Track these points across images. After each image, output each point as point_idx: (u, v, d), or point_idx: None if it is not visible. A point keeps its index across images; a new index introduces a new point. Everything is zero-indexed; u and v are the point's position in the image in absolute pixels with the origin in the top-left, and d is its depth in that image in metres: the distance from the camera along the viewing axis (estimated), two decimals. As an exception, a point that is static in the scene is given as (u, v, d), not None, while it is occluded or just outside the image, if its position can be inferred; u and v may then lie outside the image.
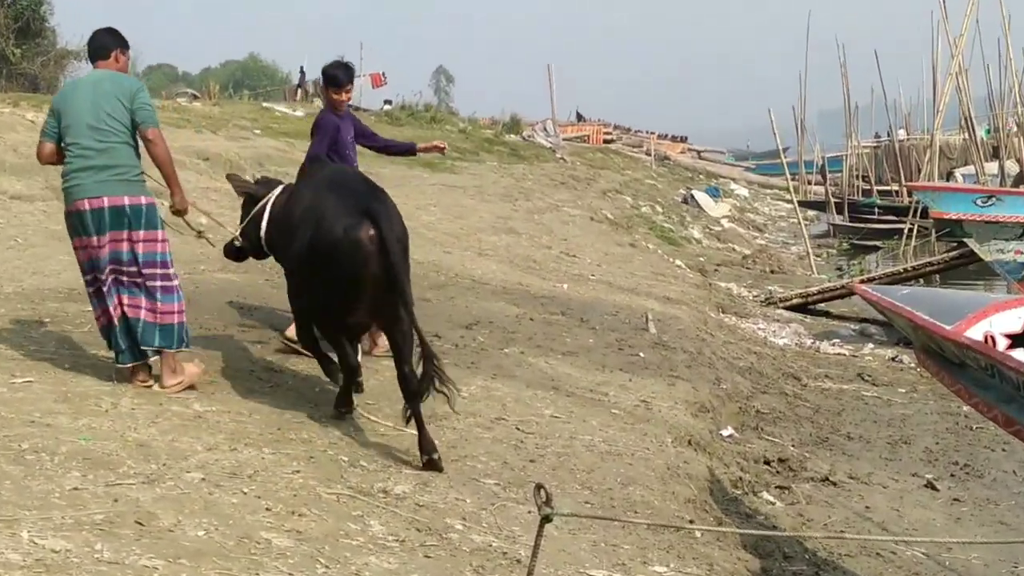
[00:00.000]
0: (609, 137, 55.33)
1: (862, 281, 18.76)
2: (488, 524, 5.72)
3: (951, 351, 5.53)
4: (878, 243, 28.47)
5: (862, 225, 30.65)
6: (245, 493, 5.39)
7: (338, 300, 6.64)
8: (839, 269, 24.59)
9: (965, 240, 17.55)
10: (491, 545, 5.44)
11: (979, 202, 16.92)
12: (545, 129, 40.00)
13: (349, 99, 8.96)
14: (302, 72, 49.22)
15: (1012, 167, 27.20)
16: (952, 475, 9.50)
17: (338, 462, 6.14)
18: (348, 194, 6.83)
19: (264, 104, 32.18)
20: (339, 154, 8.66)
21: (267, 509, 5.24)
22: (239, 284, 8.01)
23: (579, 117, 64.66)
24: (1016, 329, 5.76)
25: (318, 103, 39.88)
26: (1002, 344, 5.70)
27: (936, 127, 27.75)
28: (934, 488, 9.02)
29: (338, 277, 6.54)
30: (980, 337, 5.62)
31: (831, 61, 37.10)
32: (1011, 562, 7.67)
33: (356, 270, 6.48)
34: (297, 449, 6.19)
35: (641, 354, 10.50)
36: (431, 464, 6.28)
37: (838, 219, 32.18)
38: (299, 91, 46.45)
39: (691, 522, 6.45)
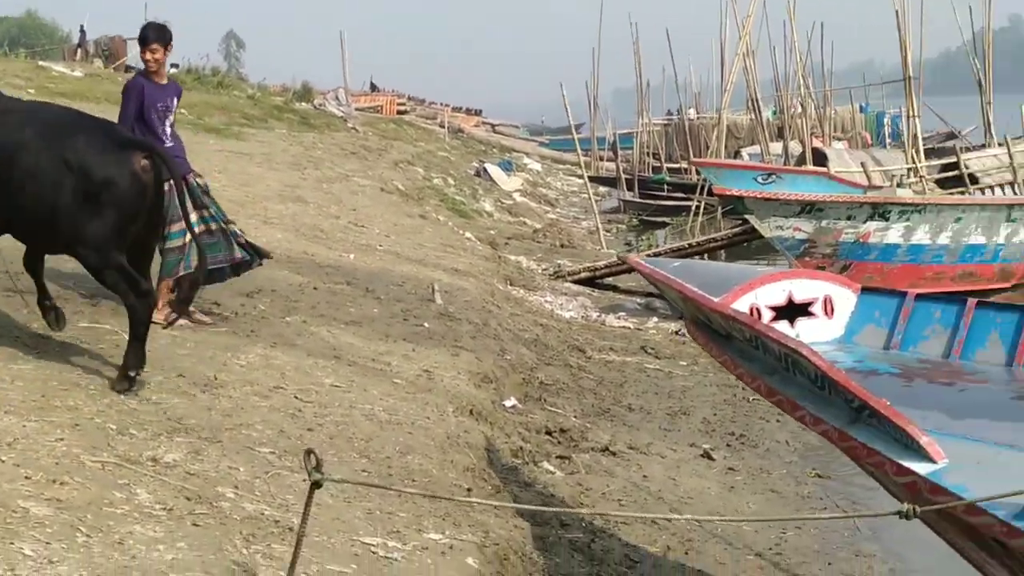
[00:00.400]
0: (403, 108, 55.23)
1: (648, 255, 19.21)
2: (261, 492, 5.64)
3: (718, 323, 5.67)
4: (667, 219, 29.12)
5: (651, 202, 31.30)
6: (3, 461, 5.18)
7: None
8: (628, 244, 25.13)
9: (746, 217, 18.07)
10: (263, 513, 5.38)
11: (760, 179, 17.40)
12: (337, 98, 39.77)
13: (159, 60, 8.59)
14: (82, 31, 47.63)
15: (796, 147, 28.12)
16: (728, 445, 9.82)
17: (105, 430, 5.95)
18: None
19: (40, 63, 30.93)
20: (147, 123, 8.36)
21: (26, 477, 5.05)
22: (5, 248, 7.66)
23: (373, 87, 64.45)
24: (781, 301, 5.95)
25: (99, 64, 38.64)
26: (767, 316, 5.88)
27: (724, 107, 28.63)
28: (710, 458, 9.30)
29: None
30: (746, 309, 5.78)
31: (626, 39, 37.84)
32: (779, 529, 7.97)
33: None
34: (62, 416, 5.97)
35: (426, 324, 10.51)
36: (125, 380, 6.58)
37: (628, 195, 32.79)
38: (79, 51, 44.85)
39: (469, 491, 6.49)
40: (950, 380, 5.54)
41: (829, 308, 6.08)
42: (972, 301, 5.98)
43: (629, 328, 14.70)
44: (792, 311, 6.01)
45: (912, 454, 4.51)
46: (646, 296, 16.59)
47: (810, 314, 6.04)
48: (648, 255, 19.34)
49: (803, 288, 6.04)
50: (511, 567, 5.78)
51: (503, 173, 35.24)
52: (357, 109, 41.88)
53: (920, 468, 4.46)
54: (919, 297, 6.13)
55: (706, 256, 20.43)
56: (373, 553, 5.15)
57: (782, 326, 5.84)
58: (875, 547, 7.70)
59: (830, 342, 6.02)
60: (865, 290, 6.29)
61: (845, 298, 6.14)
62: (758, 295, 5.86)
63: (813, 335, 5.98)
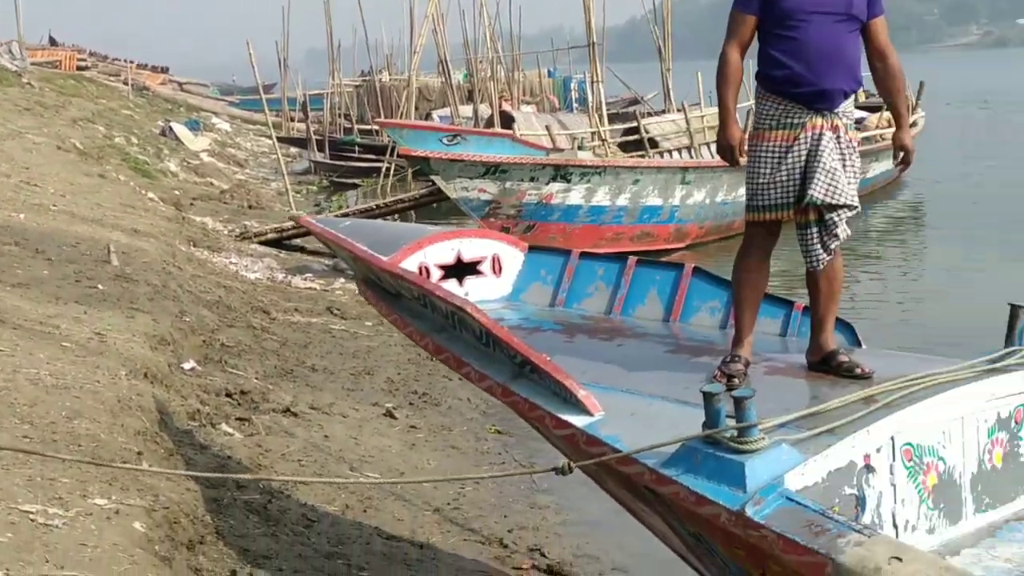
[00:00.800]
0: (84, 64, 53.21)
1: (337, 215, 19.21)
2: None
3: (388, 281, 5.73)
4: (357, 181, 29.14)
5: (342, 163, 31.26)
6: None
7: None
8: (318, 206, 25.00)
9: (432, 178, 18.25)
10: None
11: (444, 141, 17.62)
12: (10, 51, 37.95)
13: None
14: None
15: (485, 110, 28.61)
16: (411, 403, 10.00)
17: None
18: None
19: None
20: None
21: None
22: None
23: (52, 41, 61.81)
24: (449, 260, 6.05)
25: None
26: (436, 275, 5.98)
27: (413, 69, 28.84)
28: (392, 416, 9.45)
29: None
30: (415, 268, 5.86)
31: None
32: (458, 484, 8.18)
33: None
34: None
35: (100, 287, 10.16)
36: None
37: (319, 156, 32.63)
38: None
39: (140, 455, 6.36)
40: (610, 336, 5.77)
41: (497, 267, 6.23)
42: (632, 260, 6.24)
43: (315, 289, 14.73)
44: (461, 270, 6.12)
45: (571, 408, 4.70)
46: (334, 257, 16.60)
47: (479, 272, 6.18)
48: (337, 215, 19.35)
49: (472, 247, 6.16)
50: (181, 530, 5.71)
51: (190, 132, 34.57)
52: (33, 64, 40.09)
53: (578, 421, 4.65)
54: (583, 256, 6.35)
55: (397, 217, 20.56)
56: (32, 520, 5.00)
57: (451, 284, 5.96)
58: (550, 499, 8.01)
59: (497, 300, 6.18)
60: (532, 248, 6.47)
61: (513, 257, 6.30)
62: (427, 254, 5.94)
63: (481, 293, 6.12)
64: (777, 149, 5.22)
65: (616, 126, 24.17)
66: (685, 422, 4.33)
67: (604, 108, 24.25)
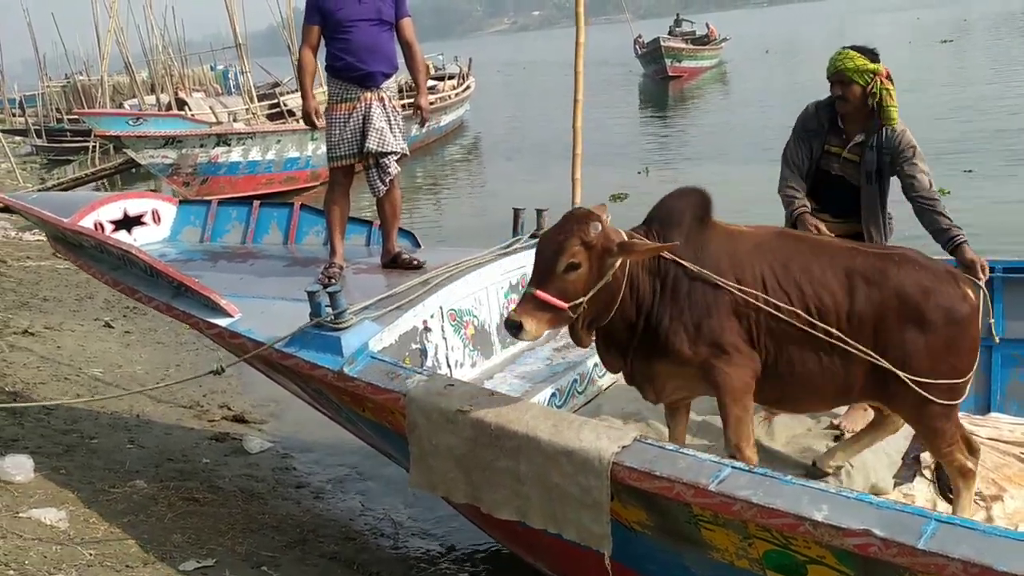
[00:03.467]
0: None
1: (53, 187, 17.73)
2: None
3: (71, 236, 5.38)
4: (71, 157, 26.93)
5: (57, 145, 28.76)
6: None
7: None
8: (43, 180, 22.98)
9: (126, 151, 17.27)
10: None
11: (130, 122, 16.65)
12: None
13: None
14: None
15: (165, 98, 26.92)
16: (125, 316, 9.50)
17: None
18: None
19: None
20: None
21: None
22: None
23: None
24: (119, 216, 5.72)
25: None
26: (109, 228, 5.65)
27: (103, 71, 26.84)
28: (111, 327, 8.96)
29: None
30: (91, 225, 5.52)
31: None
32: (163, 367, 7.83)
33: None
34: None
35: None
36: None
37: (39, 142, 29.83)
38: None
39: None
40: (244, 259, 5.60)
41: (157, 218, 5.92)
42: (257, 203, 6.09)
43: (43, 240, 13.52)
44: (129, 222, 5.79)
45: (217, 313, 4.56)
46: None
47: (143, 223, 5.86)
48: (52, 186, 18.05)
49: (135, 205, 5.83)
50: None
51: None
52: None
53: (222, 322, 4.51)
54: (221, 203, 6.14)
55: (107, 183, 19.43)
56: None
57: (121, 234, 5.65)
58: (232, 370, 7.78)
59: (159, 242, 5.88)
60: (183, 202, 6.22)
61: (168, 210, 6.01)
62: (99, 213, 5.58)
63: (146, 238, 5.82)
64: (342, 116, 5.28)
65: (263, 103, 23.30)
66: (300, 314, 4.27)
67: (253, 91, 23.30)
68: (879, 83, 4.26)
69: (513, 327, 3.37)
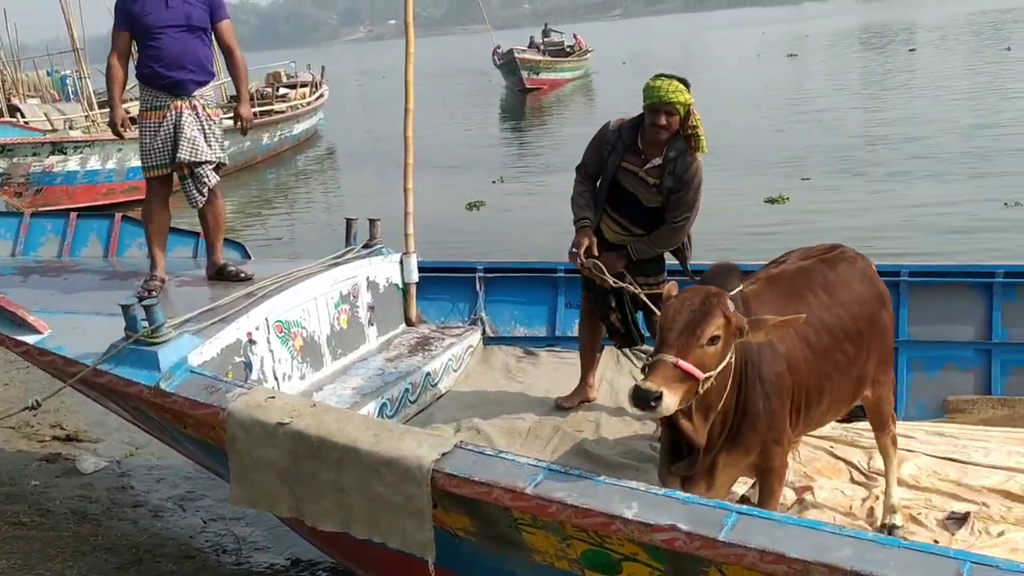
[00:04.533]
0: None
1: None
2: None
3: None
4: None
5: None
6: None
7: None
8: None
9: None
10: None
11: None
12: None
13: None
14: None
15: (-4, 105, 25.58)
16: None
17: None
18: None
19: None
20: None
21: None
22: None
23: None
24: None
25: None
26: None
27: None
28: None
29: None
30: None
31: None
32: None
33: None
34: None
35: None
36: None
37: None
38: None
39: None
40: (59, 273, 5.40)
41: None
42: (73, 214, 5.87)
43: None
44: None
45: (24, 330, 4.37)
46: None
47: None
48: None
49: None
50: None
51: None
52: None
53: (30, 339, 4.33)
54: (34, 215, 5.90)
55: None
56: None
57: None
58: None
59: None
60: None
61: (-21, 223, 5.74)
62: None
63: None
64: (153, 125, 5.15)
65: (104, 110, 22.36)
66: (117, 329, 4.14)
67: (93, 97, 22.37)
68: (694, 116, 4.40)
69: (648, 398, 2.96)
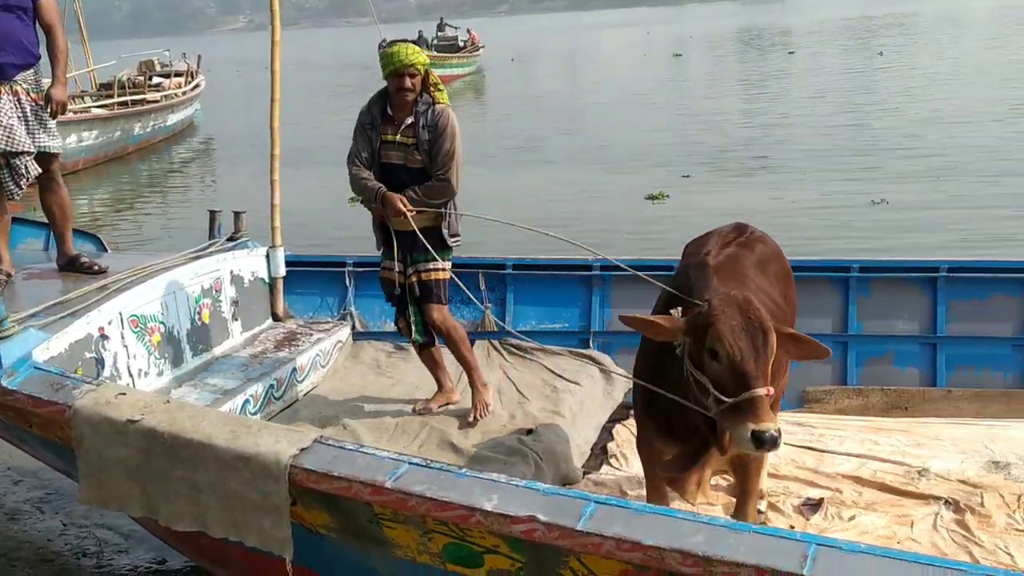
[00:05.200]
0: None
1: None
2: None
3: None
4: None
5: None
6: None
7: None
8: None
9: None
10: None
11: None
12: None
13: None
14: None
15: None
16: None
17: None
18: None
19: None
20: None
21: None
22: None
23: None
24: None
25: None
26: None
27: None
28: None
29: None
30: None
31: None
32: None
33: None
34: None
35: None
36: None
37: None
38: None
39: None
40: None
41: None
42: None
43: None
44: None
45: None
46: None
47: None
48: None
49: None
50: None
51: None
52: None
53: None
54: None
55: None
56: None
57: None
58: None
59: None
60: None
61: None
62: None
63: None
64: None
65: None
66: None
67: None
68: (432, 73, 4.65)
69: (777, 440, 2.96)
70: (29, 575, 4.60)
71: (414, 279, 4.73)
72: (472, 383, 4.90)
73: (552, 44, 56.60)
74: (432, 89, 4.65)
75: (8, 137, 4.77)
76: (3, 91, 4.80)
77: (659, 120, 20.71)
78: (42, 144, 4.89)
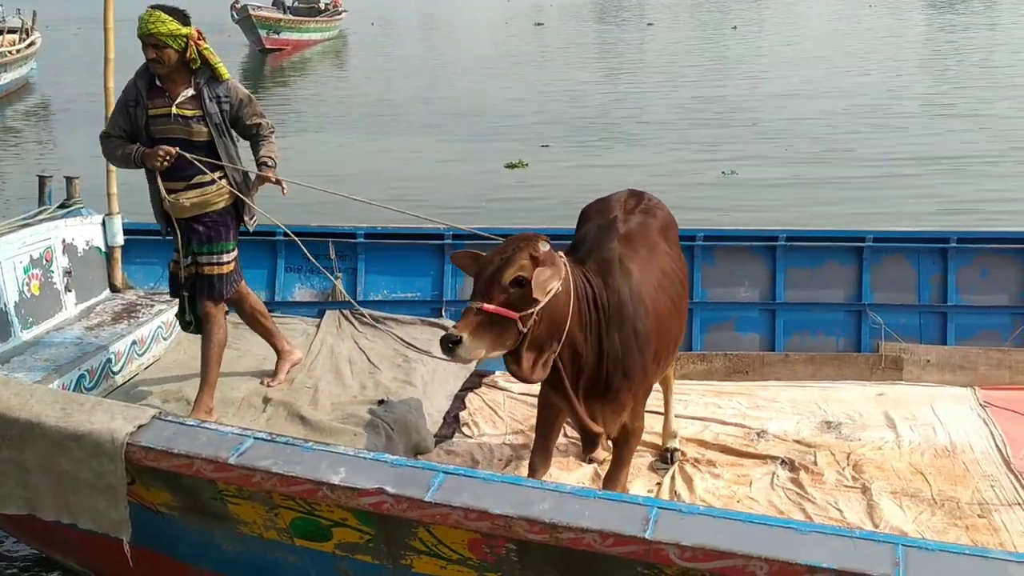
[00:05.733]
0: None
1: None
2: None
3: None
4: None
5: None
6: None
7: None
8: None
9: None
10: None
11: None
12: None
13: None
14: None
15: None
16: None
17: None
18: None
19: None
20: None
21: None
22: None
23: None
24: None
25: None
26: None
27: None
28: None
29: None
30: None
31: None
32: None
33: None
34: None
35: None
36: None
37: None
38: None
39: None
40: None
41: None
42: None
43: None
44: None
45: None
46: None
47: None
48: None
49: None
50: None
51: None
52: None
53: None
54: None
55: None
56: None
57: None
58: None
59: None
60: None
61: None
62: None
63: None
64: None
65: None
66: None
67: None
68: (195, 47, 4.24)
69: (447, 341, 3.13)
70: None
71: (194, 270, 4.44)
72: (276, 349, 4.85)
73: (414, 8, 55.93)
74: (211, 61, 4.29)
75: None
76: None
77: (520, 90, 20.77)
78: None
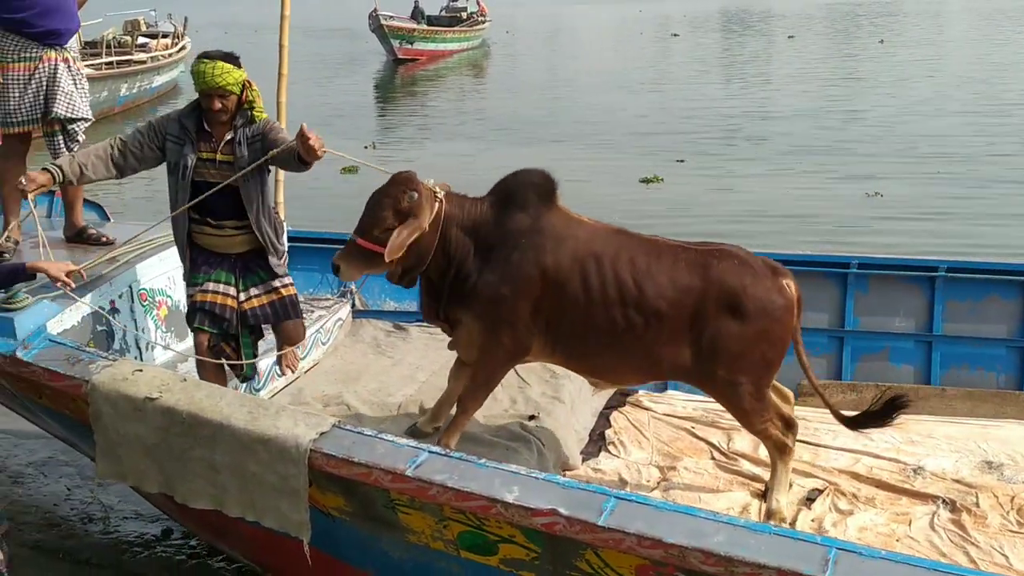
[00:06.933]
0: None
1: None
2: None
3: None
4: None
5: None
6: None
7: None
8: None
9: None
10: None
11: None
12: None
13: None
14: None
15: None
16: None
17: None
18: None
19: None
20: None
21: None
22: None
23: None
24: None
25: None
26: None
27: None
28: None
29: None
30: None
31: None
32: None
33: None
34: None
35: None
36: None
37: None
38: None
39: None
40: None
41: None
42: None
43: None
44: None
45: None
46: None
47: None
48: None
49: None
50: None
51: None
52: None
53: None
54: None
55: None
56: None
57: None
58: None
59: None
60: None
61: None
62: None
63: None
64: (21, 77, 4.78)
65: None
66: None
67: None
68: (251, 89, 4.19)
69: (333, 268, 3.92)
70: (37, 539, 4.59)
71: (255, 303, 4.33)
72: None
73: (543, 17, 56.04)
74: (246, 106, 4.20)
75: (69, 104, 4.79)
76: (58, 58, 4.77)
77: (656, 101, 20.58)
78: (86, 112, 4.88)
